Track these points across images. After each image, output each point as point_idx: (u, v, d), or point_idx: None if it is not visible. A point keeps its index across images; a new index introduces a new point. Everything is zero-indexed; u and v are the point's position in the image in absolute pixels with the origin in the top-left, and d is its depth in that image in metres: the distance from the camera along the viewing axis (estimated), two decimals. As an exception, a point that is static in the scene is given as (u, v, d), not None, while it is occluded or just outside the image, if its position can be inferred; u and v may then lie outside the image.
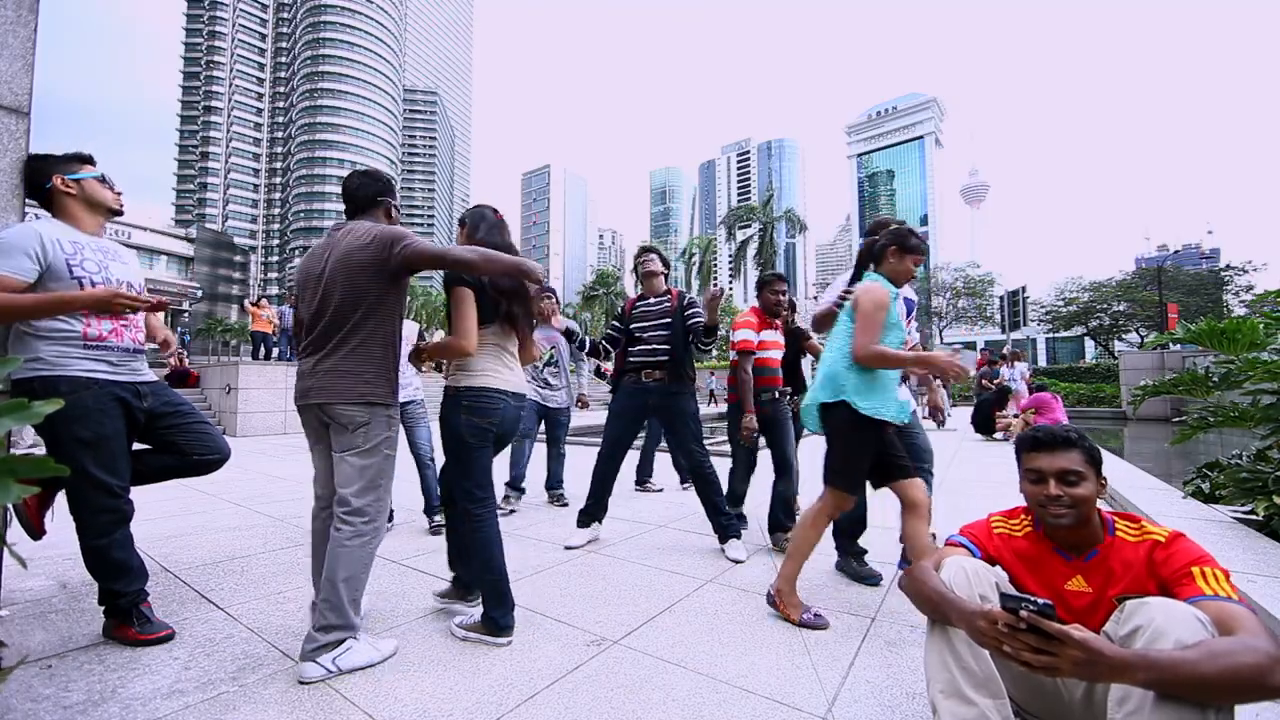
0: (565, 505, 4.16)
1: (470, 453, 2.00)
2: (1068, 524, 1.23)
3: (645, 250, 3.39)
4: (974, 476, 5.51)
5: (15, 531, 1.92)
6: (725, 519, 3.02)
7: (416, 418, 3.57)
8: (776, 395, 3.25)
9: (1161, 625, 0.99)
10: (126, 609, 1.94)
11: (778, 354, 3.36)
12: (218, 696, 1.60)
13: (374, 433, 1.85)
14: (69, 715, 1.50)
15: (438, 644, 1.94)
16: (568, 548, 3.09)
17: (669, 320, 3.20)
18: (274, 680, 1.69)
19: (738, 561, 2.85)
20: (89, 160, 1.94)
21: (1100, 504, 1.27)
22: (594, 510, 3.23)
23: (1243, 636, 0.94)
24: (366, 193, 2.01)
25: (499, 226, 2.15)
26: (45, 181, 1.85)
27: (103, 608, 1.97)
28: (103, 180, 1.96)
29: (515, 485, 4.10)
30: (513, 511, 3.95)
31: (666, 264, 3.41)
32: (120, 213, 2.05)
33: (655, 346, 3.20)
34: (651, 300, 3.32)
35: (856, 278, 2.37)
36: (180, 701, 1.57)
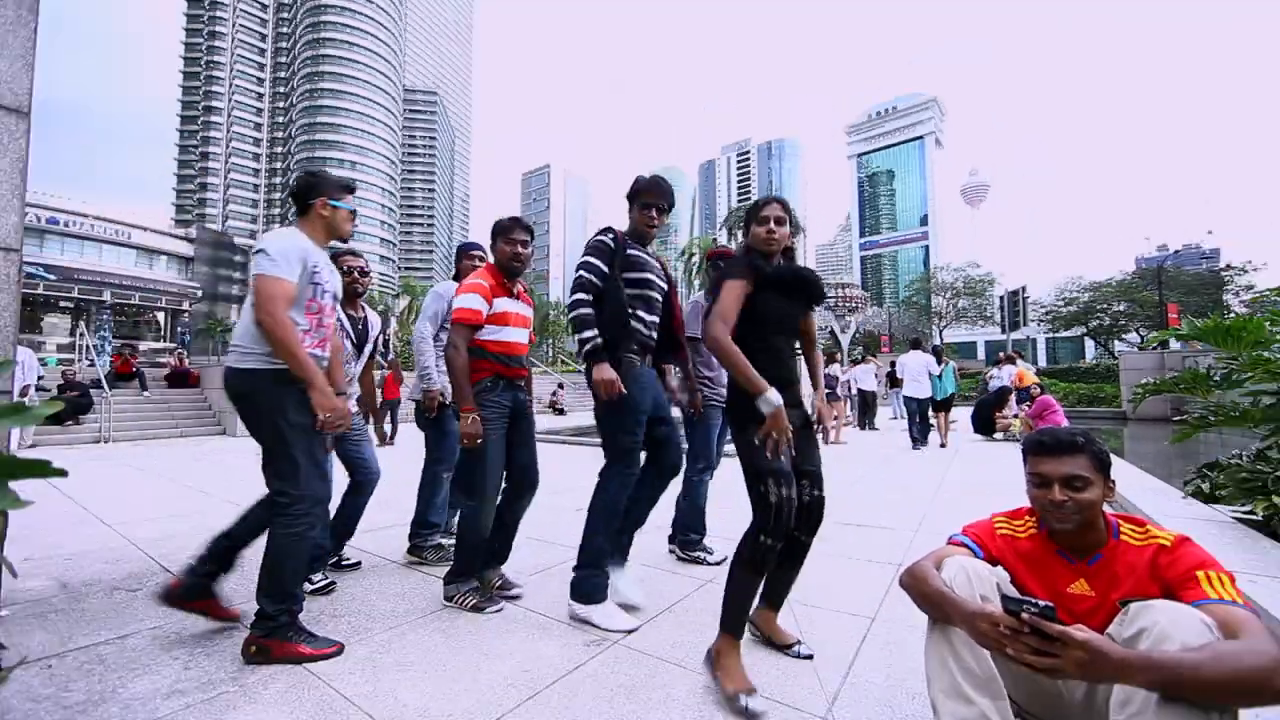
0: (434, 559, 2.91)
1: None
2: (1072, 529, 1.21)
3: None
4: (974, 477, 5.51)
5: (15, 527, 1.92)
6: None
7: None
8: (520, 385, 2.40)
9: (1166, 628, 0.99)
10: (293, 620, 1.85)
11: (522, 335, 2.42)
12: (218, 696, 1.60)
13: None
14: (69, 715, 1.50)
15: (438, 644, 1.94)
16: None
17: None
18: (274, 680, 1.69)
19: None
20: (352, 190, 2.12)
21: (1105, 507, 1.26)
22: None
23: (1247, 640, 0.94)
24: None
25: None
26: (312, 197, 2.01)
27: (261, 630, 1.80)
28: (351, 214, 2.11)
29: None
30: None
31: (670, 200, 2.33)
32: (345, 242, 2.22)
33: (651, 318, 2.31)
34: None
35: None
36: (180, 701, 1.57)
